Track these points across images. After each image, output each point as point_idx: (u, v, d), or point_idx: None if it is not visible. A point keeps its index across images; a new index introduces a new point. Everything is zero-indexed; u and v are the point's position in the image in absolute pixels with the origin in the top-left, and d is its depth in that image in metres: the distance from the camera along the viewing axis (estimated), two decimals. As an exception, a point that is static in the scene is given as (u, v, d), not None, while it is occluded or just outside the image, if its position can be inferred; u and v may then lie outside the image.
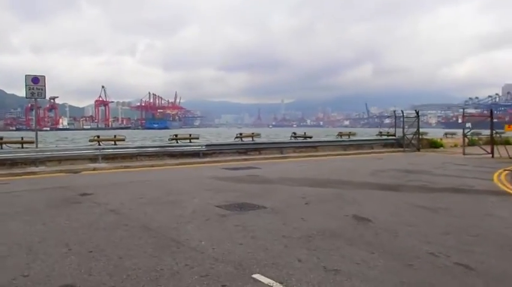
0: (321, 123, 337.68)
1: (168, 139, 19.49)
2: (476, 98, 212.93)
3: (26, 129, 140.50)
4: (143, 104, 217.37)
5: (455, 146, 28.94)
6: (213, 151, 19.37)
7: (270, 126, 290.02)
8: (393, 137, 26.94)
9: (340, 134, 26.08)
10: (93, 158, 16.49)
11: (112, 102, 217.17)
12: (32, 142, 16.43)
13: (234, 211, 8.16)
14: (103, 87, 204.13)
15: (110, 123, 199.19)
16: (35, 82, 15.66)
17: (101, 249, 5.60)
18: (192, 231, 6.60)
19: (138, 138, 49.24)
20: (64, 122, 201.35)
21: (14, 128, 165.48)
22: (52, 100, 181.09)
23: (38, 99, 16.15)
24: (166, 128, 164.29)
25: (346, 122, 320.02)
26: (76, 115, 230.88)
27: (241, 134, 21.57)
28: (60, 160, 15.90)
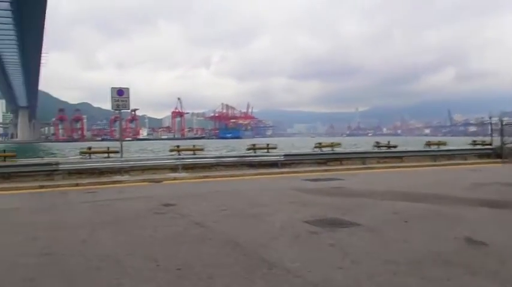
0: (399, 131, 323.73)
1: (246, 149, 19.31)
2: None
3: (110, 140, 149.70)
4: (216, 115, 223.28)
5: None
6: (292, 161, 18.86)
7: (344, 135, 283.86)
8: (489, 147, 24.59)
9: (429, 144, 24.30)
10: (174, 168, 16.70)
11: (187, 113, 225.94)
12: (117, 152, 17.02)
13: (324, 227, 7.53)
14: (179, 99, 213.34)
15: (185, 133, 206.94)
16: (120, 94, 16.24)
17: (189, 266, 5.27)
18: (282, 249, 6.09)
19: (212, 148, 50.25)
20: (144, 132, 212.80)
21: (100, 139, 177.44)
22: (133, 112, 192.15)
23: (122, 111, 16.72)
24: (238, 137, 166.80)
25: (427, 131, 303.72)
26: (154, 126, 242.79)
27: (320, 143, 20.86)
28: (143, 169, 16.28)
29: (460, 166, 21.09)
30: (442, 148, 24.25)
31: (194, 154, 17.87)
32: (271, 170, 17.83)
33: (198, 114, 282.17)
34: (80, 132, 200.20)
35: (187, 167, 16.81)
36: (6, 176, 14.63)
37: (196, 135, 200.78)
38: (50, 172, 15.04)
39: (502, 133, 24.75)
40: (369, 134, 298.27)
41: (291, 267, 5.24)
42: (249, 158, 17.97)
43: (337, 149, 20.89)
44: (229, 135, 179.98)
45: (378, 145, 22.61)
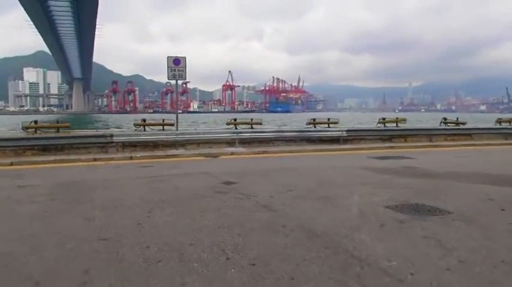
0: (453, 107, 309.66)
1: (306, 123, 18.25)
2: None
3: (162, 112, 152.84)
4: (267, 88, 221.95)
5: None
6: (354, 137, 17.60)
7: (396, 110, 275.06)
8: None
9: (499, 121, 22.17)
10: (231, 142, 15.96)
11: (238, 86, 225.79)
12: (172, 125, 16.49)
13: (410, 214, 6.43)
14: (230, 72, 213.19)
15: (236, 106, 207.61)
16: (177, 63, 15.50)
17: (264, 261, 4.40)
18: (369, 242, 5.08)
19: (264, 121, 49.47)
20: (194, 105, 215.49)
21: (151, 111, 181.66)
22: (184, 85, 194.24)
23: (179, 81, 16.02)
24: (288, 111, 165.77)
25: (483, 107, 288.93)
26: (205, 99, 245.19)
27: (384, 119, 19.39)
28: (198, 143, 15.65)
29: None
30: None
31: (252, 128, 17.04)
32: (332, 146, 16.71)
33: (248, 88, 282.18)
34: (132, 104, 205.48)
35: (244, 142, 16.02)
36: (60, 148, 14.43)
37: (247, 109, 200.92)
38: (104, 144, 14.69)
39: None
40: (422, 110, 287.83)
41: (388, 267, 4.24)
42: (309, 133, 16.90)
43: (402, 125, 19.33)
44: (279, 109, 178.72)
45: (445, 121, 20.80)
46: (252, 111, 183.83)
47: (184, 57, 15.74)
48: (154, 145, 15.37)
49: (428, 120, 76.44)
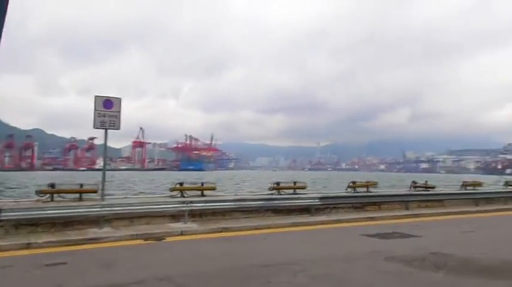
0: (356, 167, 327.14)
1: (268, 189, 14.58)
2: None
3: (63, 169, 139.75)
4: (179, 146, 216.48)
5: None
6: (327, 205, 14.27)
7: (306, 169, 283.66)
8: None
9: (465, 185, 20.47)
10: (176, 215, 11.64)
11: (149, 143, 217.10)
12: (94, 191, 11.80)
13: None
14: (141, 128, 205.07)
15: (146, 164, 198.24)
16: (108, 107, 11.13)
17: None
18: None
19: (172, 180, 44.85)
20: (100, 162, 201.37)
21: (51, 168, 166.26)
22: (91, 140, 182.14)
23: (108, 129, 11.49)
24: (201, 169, 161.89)
25: (382, 166, 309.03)
26: (113, 156, 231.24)
27: (354, 183, 16.45)
28: (132, 217, 11.09)
29: (509, 213, 17.50)
30: (479, 189, 20.50)
31: (202, 195, 12.91)
32: (305, 218, 13.15)
33: (160, 145, 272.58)
34: (29, 160, 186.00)
35: (195, 214, 11.79)
36: None
37: (157, 167, 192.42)
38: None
39: None
40: (329, 169, 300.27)
41: None
42: (276, 201, 13.17)
43: (374, 190, 16.53)
44: (191, 167, 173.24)
45: (415, 184, 18.48)
46: (163, 169, 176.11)
47: (119, 99, 11.49)
48: (66, 223, 10.52)
49: (340, 178, 77.59)
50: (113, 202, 11.48)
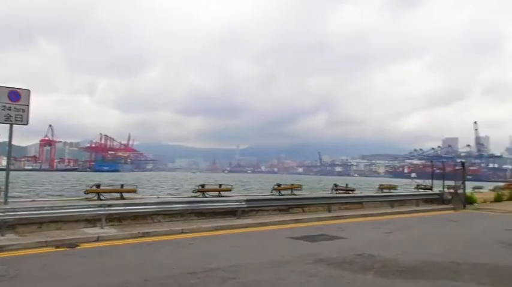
0: (275, 169, 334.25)
1: (193, 191, 13.95)
2: (421, 149, 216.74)
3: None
4: (93, 145, 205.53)
5: (485, 202, 25.22)
6: (252, 207, 14.03)
7: (226, 171, 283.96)
8: (436, 193, 22.78)
9: (382, 187, 21.43)
10: (92, 219, 10.64)
11: (59, 142, 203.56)
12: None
13: None
14: (50, 126, 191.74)
15: (55, 164, 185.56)
16: (14, 99, 9.79)
17: None
18: None
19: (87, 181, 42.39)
20: (3, 161, 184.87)
21: None
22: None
23: (16, 124, 10.08)
24: (117, 170, 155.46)
25: (300, 169, 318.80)
26: (17, 155, 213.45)
27: (279, 185, 16.38)
28: (41, 222, 9.93)
29: (422, 214, 18.90)
30: (394, 192, 21.64)
31: (122, 198, 11.96)
32: (231, 221, 12.78)
33: (71, 144, 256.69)
34: None
35: (114, 218, 10.88)
36: None
37: (68, 167, 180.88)
38: None
39: (443, 177, 23.93)
40: (248, 171, 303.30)
41: None
42: (201, 204, 12.60)
43: (298, 193, 16.62)
44: (106, 167, 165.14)
45: (336, 187, 18.93)
46: (74, 169, 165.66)
47: (28, 91, 10.15)
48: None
49: (261, 181, 78.56)
50: (17, 205, 10.19)
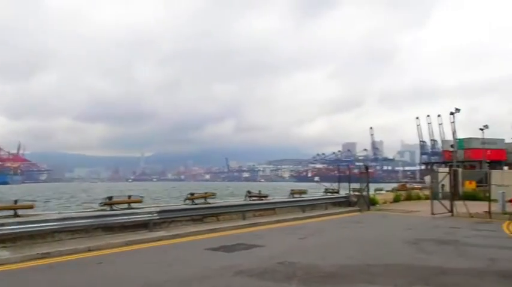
0: (182, 177, 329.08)
1: (99, 204, 12.79)
2: (323, 154, 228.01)
3: None
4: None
5: (385, 202, 27.11)
6: (165, 219, 13.31)
7: (130, 180, 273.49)
8: (343, 196, 23.79)
9: (293, 192, 21.79)
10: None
11: None
12: None
13: None
14: None
15: None
16: None
17: None
18: None
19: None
20: None
21: None
22: None
23: None
24: (6, 183, 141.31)
25: (207, 176, 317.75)
26: None
27: (192, 194, 15.74)
28: None
29: (330, 217, 19.62)
30: (305, 197, 22.18)
31: (16, 215, 10.48)
32: (142, 235, 11.94)
33: None
34: None
35: (5, 239, 9.49)
36: None
37: None
38: None
39: (349, 180, 24.88)
40: (154, 179, 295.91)
41: None
42: (109, 218, 11.55)
43: (212, 201, 16.14)
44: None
45: (249, 194, 18.80)
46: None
47: None
48: None
49: (168, 189, 76.81)
50: None
